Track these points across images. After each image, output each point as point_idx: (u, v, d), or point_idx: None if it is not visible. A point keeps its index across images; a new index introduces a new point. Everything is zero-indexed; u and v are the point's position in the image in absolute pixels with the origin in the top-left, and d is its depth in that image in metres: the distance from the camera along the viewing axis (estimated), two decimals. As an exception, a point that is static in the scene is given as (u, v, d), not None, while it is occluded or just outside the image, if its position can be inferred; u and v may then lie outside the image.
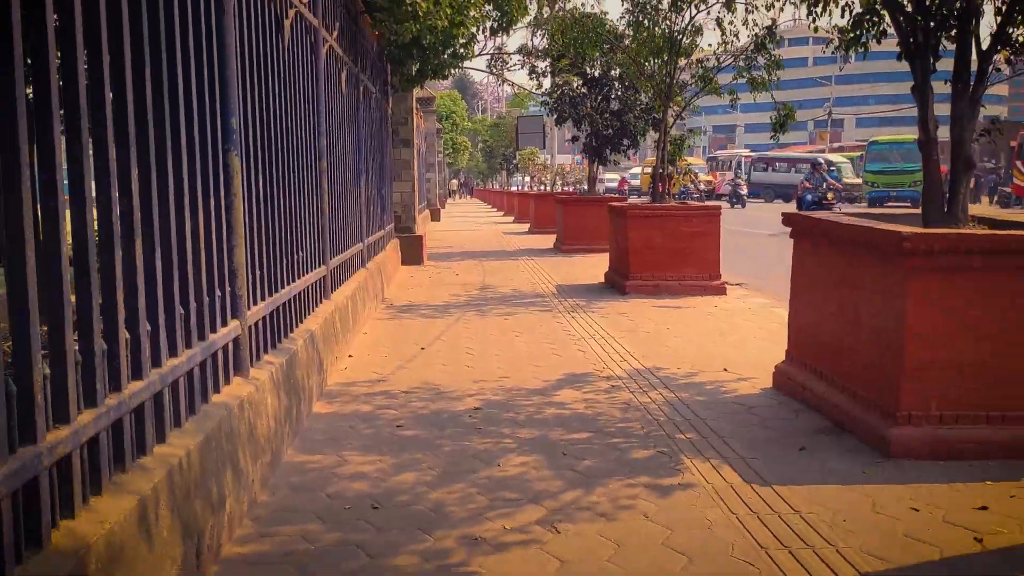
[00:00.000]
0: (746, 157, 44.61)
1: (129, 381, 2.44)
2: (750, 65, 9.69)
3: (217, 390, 3.24)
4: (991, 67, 4.31)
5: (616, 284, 9.97)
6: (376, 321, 7.85)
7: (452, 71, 11.72)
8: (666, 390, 5.14)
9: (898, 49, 4.51)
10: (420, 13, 7.69)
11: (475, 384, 5.34)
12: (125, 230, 2.47)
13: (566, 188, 26.81)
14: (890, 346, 3.85)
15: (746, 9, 9.08)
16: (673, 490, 3.49)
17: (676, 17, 9.33)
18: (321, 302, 5.71)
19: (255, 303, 3.83)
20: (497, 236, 20.89)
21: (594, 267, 11.98)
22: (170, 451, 2.62)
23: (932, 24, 4.34)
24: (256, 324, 3.84)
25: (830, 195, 20.12)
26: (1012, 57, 4.61)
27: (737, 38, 9.77)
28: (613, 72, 14.05)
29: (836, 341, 4.45)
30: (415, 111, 14.46)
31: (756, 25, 9.27)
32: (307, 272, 5.20)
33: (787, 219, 5.09)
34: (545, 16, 13.51)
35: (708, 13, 9.42)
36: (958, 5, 4.22)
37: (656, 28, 9.87)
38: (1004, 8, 4.34)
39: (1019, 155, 29.67)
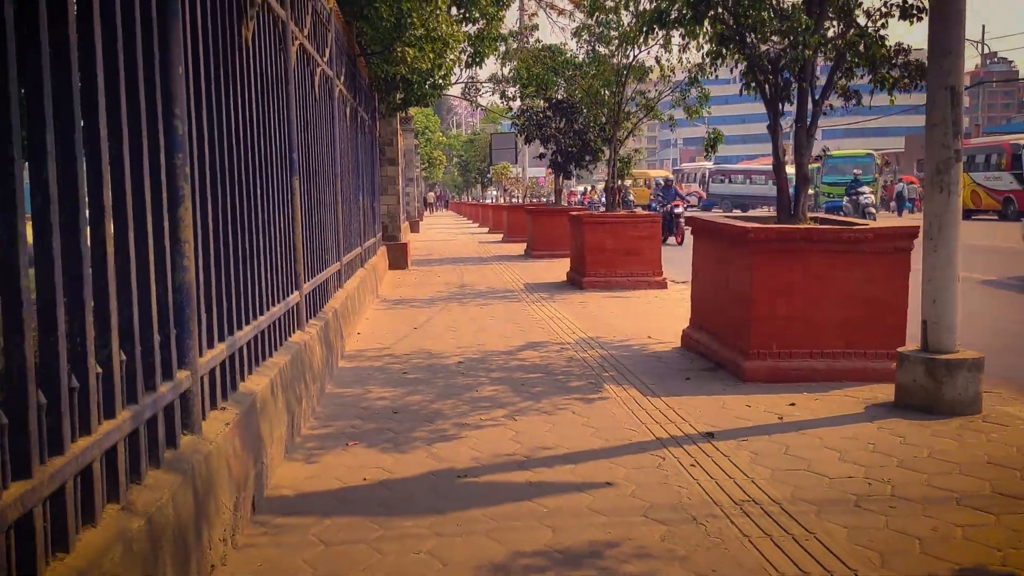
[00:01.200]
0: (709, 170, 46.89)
1: (257, 318, 4.10)
2: (685, 96, 11.49)
3: (291, 334, 4.92)
4: (820, 112, 6.10)
5: (575, 281, 11.71)
6: (374, 311, 9.52)
7: (432, 100, 13.42)
8: (602, 349, 6.86)
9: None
10: (408, 59, 9.41)
11: (458, 349, 7.04)
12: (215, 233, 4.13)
13: (535, 200, 28.57)
14: (745, 305, 5.60)
15: (680, 49, 10.86)
16: (594, 400, 5.21)
17: (622, 55, 11.11)
18: (337, 289, 7.38)
19: (306, 281, 5.51)
20: (473, 244, 22.62)
21: (559, 269, 13.71)
22: (276, 360, 4.29)
23: (780, 82, 6.13)
24: (306, 296, 5.52)
25: (678, 206, 21.33)
26: (843, 100, 6.42)
27: (674, 73, 11.56)
28: (574, 95, 15.84)
29: (716, 305, 6.21)
30: (398, 132, 16.16)
31: (689, 62, 11.06)
32: (330, 265, 6.88)
33: (688, 220, 6.84)
34: (513, 49, 15.29)
35: (648, 52, 11.20)
36: (797, 69, 6.00)
37: (612, 60, 11.64)
38: (831, 68, 6.14)
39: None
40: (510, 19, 46.74)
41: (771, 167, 6.87)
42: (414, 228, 29.79)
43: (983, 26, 52.60)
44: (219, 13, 3.53)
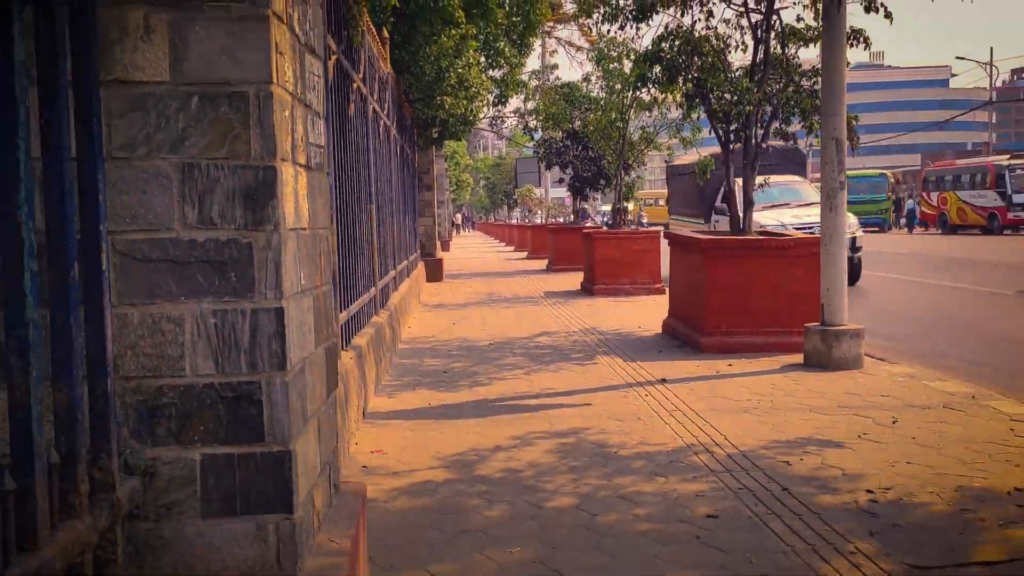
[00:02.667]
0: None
1: (356, 300, 6.13)
2: (679, 128, 13.48)
3: (372, 315, 6.96)
4: (761, 150, 8.08)
5: (587, 289, 13.69)
6: (419, 313, 11.56)
7: (464, 135, 15.52)
8: (600, 335, 8.85)
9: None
10: (446, 105, 11.49)
11: (488, 336, 9.06)
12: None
13: (556, 220, 30.62)
14: (702, 297, 7.56)
15: (660, 101, 12.86)
16: (587, 364, 7.20)
17: (623, 97, 13.15)
18: (394, 291, 9.43)
19: (378, 280, 7.56)
20: (500, 261, 24.69)
21: (575, 280, 15.67)
22: (367, 331, 6.33)
23: (731, 128, 8.13)
24: (379, 291, 7.56)
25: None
26: (782, 139, 8.40)
27: (671, 109, 13.57)
28: (587, 128, 17.92)
29: (684, 298, 8.18)
30: (433, 162, 18.30)
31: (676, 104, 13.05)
32: (390, 271, 8.94)
33: (665, 234, 8.83)
34: (534, 87, 17.40)
35: (648, 93, 13.23)
36: (742, 120, 8.00)
37: (614, 98, 13.68)
38: (770, 117, 8.13)
39: (924, 187, 35.02)
40: (533, 55, 48.92)
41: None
42: (444, 247, 31.93)
43: (991, 48, 53.94)
44: (337, 100, 5.59)
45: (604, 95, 14.75)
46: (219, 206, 1.93)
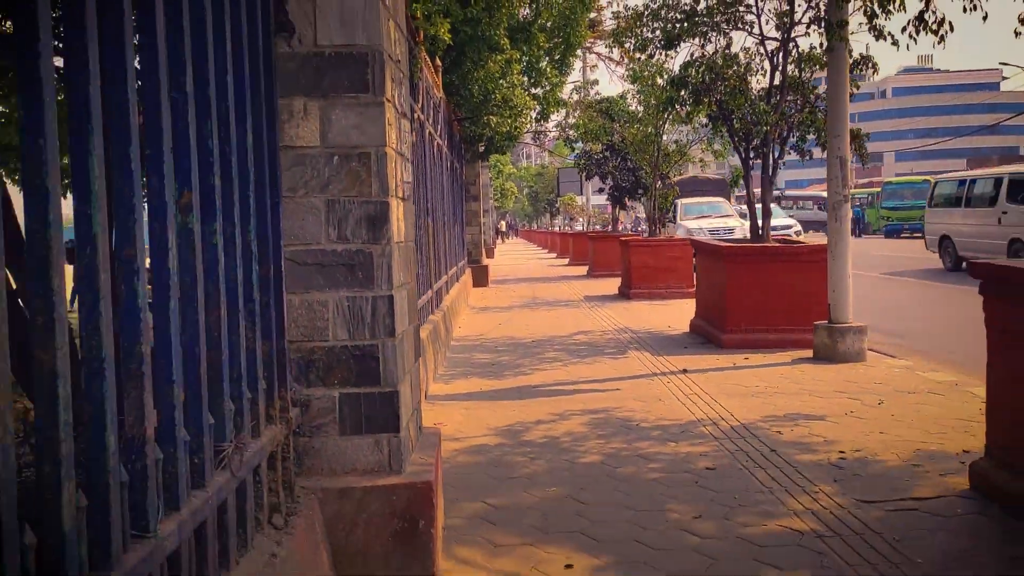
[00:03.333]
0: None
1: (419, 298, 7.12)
2: (711, 142, 14.31)
3: (430, 314, 7.95)
4: (778, 167, 8.90)
5: (624, 293, 14.56)
6: (467, 315, 12.55)
7: (508, 149, 16.50)
8: (632, 333, 9.73)
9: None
10: (492, 124, 12.48)
11: (531, 334, 10.00)
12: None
13: (596, 228, 31.45)
14: (724, 298, 8.41)
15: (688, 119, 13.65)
16: (619, 358, 8.10)
17: (657, 114, 14.02)
18: (445, 294, 10.42)
19: (433, 283, 8.55)
20: (542, 267, 25.64)
21: (613, 285, 16.56)
22: (426, 326, 7.32)
23: (751, 149, 8.98)
24: (436, 290, 8.55)
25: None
26: (798, 154, 9.22)
27: (703, 126, 14.38)
28: (625, 141, 18.80)
29: (709, 300, 9.03)
30: (479, 174, 19.33)
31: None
32: (442, 276, 9.93)
33: (691, 243, 9.69)
34: (574, 102, 18.36)
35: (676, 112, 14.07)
36: (760, 139, 8.84)
37: (653, 111, 14.55)
38: (786, 134, 8.96)
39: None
40: (575, 69, 49.79)
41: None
42: (489, 255, 32.97)
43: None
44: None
45: (641, 108, 15.64)
46: (351, 228, 2.91)
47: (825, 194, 34.13)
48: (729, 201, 23.49)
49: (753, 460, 4.58)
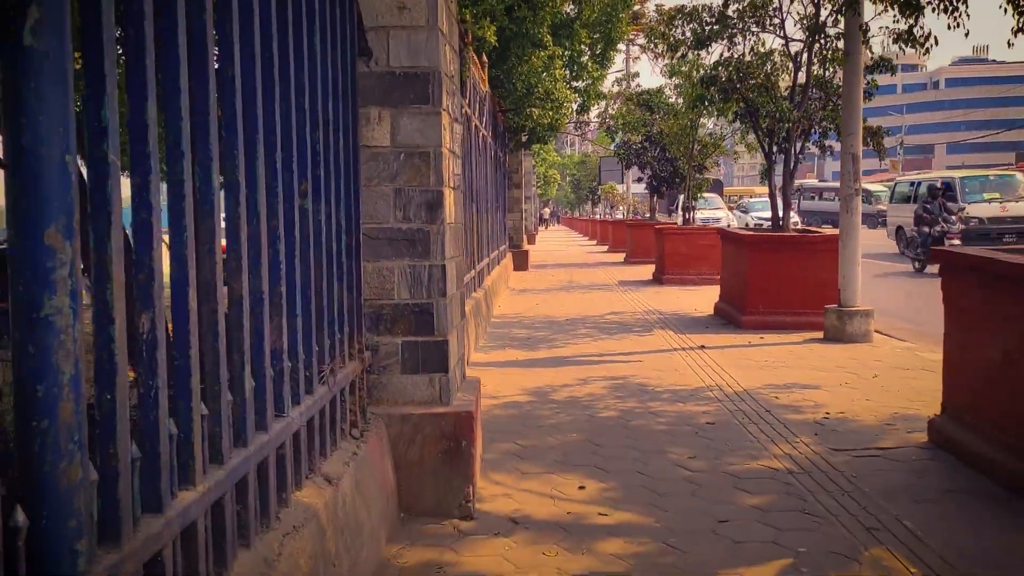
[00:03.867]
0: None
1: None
2: (744, 134, 14.85)
3: (475, 290, 8.76)
4: (800, 160, 9.52)
5: (658, 278, 15.23)
6: (507, 296, 13.34)
7: (550, 140, 17.23)
8: (660, 315, 10.44)
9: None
10: (534, 116, 13.23)
11: (565, 314, 10.76)
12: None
13: (636, 216, 32.02)
14: (744, 283, 9.08)
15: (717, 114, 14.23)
16: (644, 335, 8.83)
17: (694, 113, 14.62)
18: (487, 275, 11.22)
19: (476, 264, 9.34)
20: (582, 254, 26.35)
21: (647, 271, 17.22)
22: (469, 302, 8.12)
23: (775, 145, 9.61)
24: (479, 271, 9.34)
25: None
26: (820, 150, 9.82)
27: (730, 122, 14.93)
28: (664, 132, 19.40)
29: (732, 284, 9.70)
30: (522, 163, 20.08)
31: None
32: (484, 258, 10.72)
33: (718, 232, 10.35)
34: (616, 93, 19.01)
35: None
36: (782, 136, 9.46)
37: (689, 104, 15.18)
38: (807, 131, 9.57)
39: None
40: (617, 60, 50.08)
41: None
42: (530, 240, 33.72)
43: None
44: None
45: (681, 101, 16.24)
46: (413, 211, 3.70)
47: (824, 184, 36.35)
48: (721, 196, 31.24)
49: (748, 417, 5.30)
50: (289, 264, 2.60)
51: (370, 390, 3.69)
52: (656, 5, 45.96)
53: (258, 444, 2.25)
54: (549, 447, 4.76)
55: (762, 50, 9.84)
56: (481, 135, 10.57)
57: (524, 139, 16.55)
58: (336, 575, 2.65)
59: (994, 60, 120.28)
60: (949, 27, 5.22)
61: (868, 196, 36.25)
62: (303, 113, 2.77)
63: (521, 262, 18.40)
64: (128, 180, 1.69)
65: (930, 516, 3.59)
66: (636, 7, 21.54)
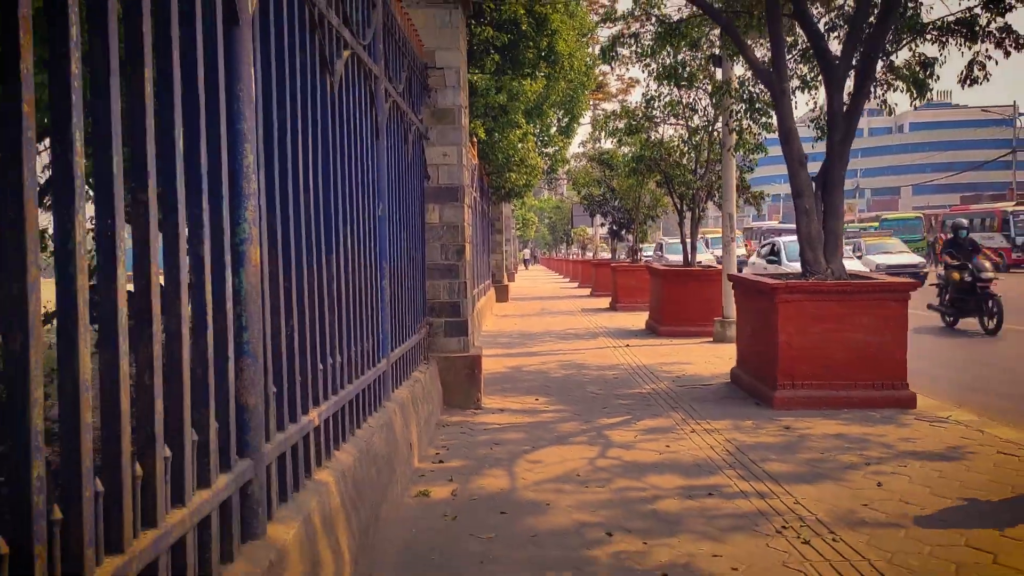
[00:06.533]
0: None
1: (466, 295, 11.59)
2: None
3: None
4: (702, 217, 13.32)
5: (613, 306, 18.94)
6: (492, 319, 16.99)
7: (525, 195, 21.04)
8: (605, 329, 14.15)
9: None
10: (511, 180, 17.03)
11: (535, 330, 14.43)
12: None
13: (600, 256, 35.95)
14: (660, 303, 12.80)
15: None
16: (591, 340, 12.52)
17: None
18: (478, 301, 14.86)
19: (473, 290, 13.04)
20: (555, 288, 30.14)
21: (604, 301, 20.95)
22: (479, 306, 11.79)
23: (684, 205, 13.44)
24: (471, 297, 13.01)
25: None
26: (717, 207, 13.67)
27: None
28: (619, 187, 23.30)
29: (654, 307, 13.44)
30: (502, 212, 23.87)
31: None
32: (476, 288, 14.39)
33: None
34: (579, 155, 22.90)
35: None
36: (690, 198, 13.29)
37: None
38: (707, 195, 13.40)
39: (942, 229, 38.82)
40: (585, 119, 54.28)
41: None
42: (510, 278, 37.48)
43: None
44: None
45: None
46: (450, 255, 7.39)
47: (783, 226, 39.57)
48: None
49: (638, 375, 8.98)
50: (410, 282, 6.26)
51: (430, 346, 7.34)
52: (617, 76, 50.74)
53: (407, 345, 5.90)
54: (520, 388, 8.42)
55: (676, 137, 13.71)
56: (475, 199, 14.32)
57: (504, 194, 20.36)
58: (425, 412, 6.27)
59: (956, 104, 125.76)
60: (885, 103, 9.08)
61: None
62: (414, 209, 6.46)
63: (503, 295, 22.09)
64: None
65: (706, 404, 7.27)
66: (600, 78, 25.72)
